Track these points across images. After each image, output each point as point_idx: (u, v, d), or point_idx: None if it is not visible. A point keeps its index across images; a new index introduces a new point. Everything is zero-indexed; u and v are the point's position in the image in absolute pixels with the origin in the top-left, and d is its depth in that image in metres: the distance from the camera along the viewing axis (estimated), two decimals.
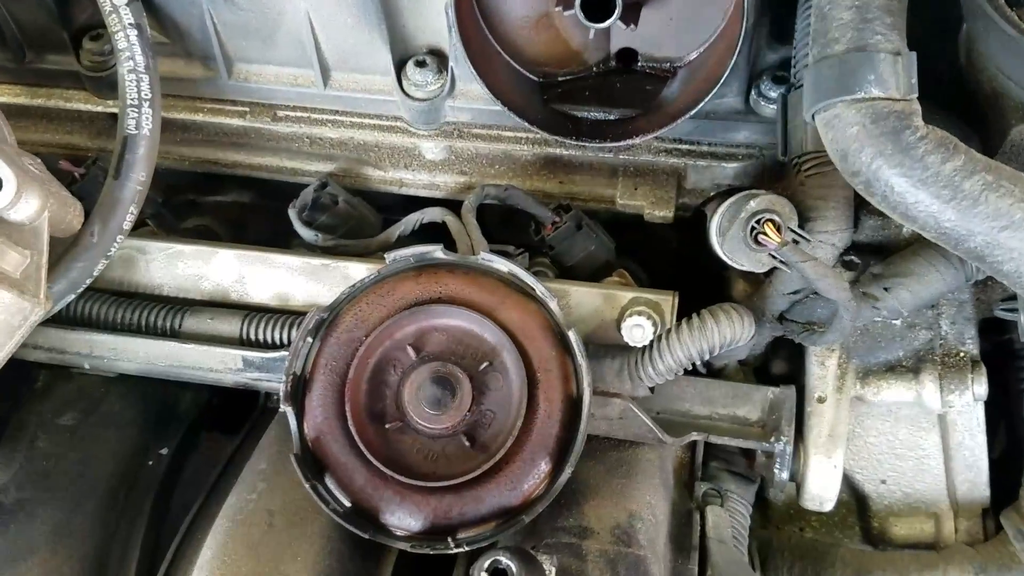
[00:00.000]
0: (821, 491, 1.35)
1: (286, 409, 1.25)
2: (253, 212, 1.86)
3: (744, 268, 1.27)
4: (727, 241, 1.20)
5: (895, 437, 1.45)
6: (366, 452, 1.23)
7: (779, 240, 1.12)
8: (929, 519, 1.49)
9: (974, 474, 1.44)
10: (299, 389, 1.28)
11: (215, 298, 1.47)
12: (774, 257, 1.18)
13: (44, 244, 1.27)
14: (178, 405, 1.53)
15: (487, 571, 1.05)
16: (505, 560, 1.05)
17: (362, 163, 1.60)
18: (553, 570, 1.17)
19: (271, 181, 1.69)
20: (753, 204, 1.16)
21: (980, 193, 0.97)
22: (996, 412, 1.46)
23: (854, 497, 1.54)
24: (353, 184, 1.60)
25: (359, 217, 1.58)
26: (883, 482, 1.49)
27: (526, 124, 1.36)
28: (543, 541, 1.21)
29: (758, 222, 1.15)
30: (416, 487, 1.22)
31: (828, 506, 1.37)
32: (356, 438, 1.23)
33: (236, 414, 1.54)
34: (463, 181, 1.57)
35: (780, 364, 1.49)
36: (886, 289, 1.23)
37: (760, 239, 1.15)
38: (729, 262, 1.30)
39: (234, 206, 1.88)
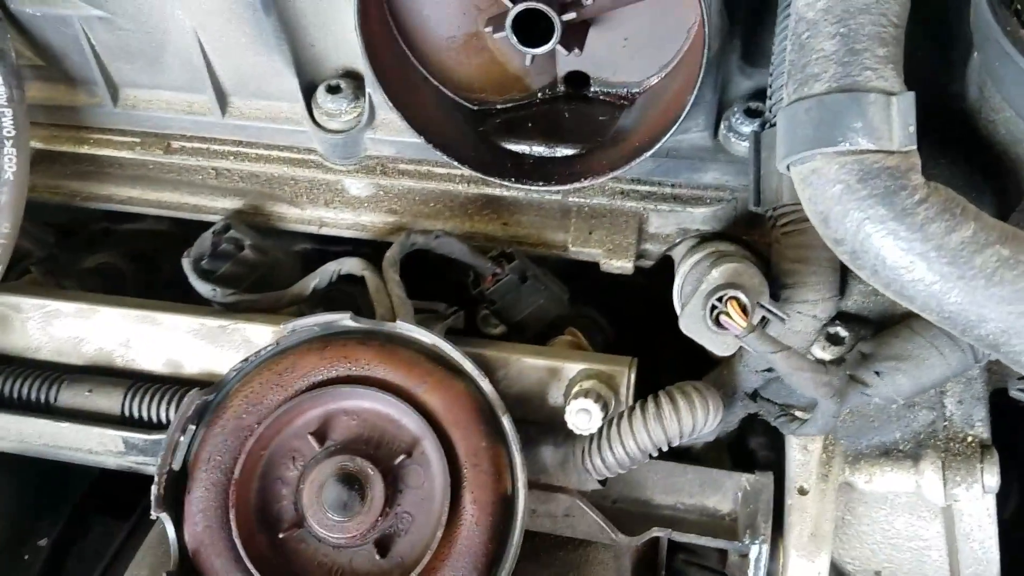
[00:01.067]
0: None
1: (159, 516, 1.04)
2: (171, 241, 1.64)
3: (708, 348, 1.06)
4: (685, 316, 0.98)
5: (891, 526, 1.23)
6: (253, 570, 1.02)
7: (744, 325, 0.91)
8: None
9: (983, 568, 1.22)
10: (172, 494, 1.07)
11: (98, 363, 1.26)
12: (741, 340, 0.96)
13: None
14: (67, 483, 1.32)
15: None
16: None
17: (275, 199, 1.38)
18: None
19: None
20: (716, 274, 0.95)
21: (994, 271, 0.77)
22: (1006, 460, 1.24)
23: None
24: (265, 223, 1.38)
25: (270, 263, 1.36)
26: (877, 574, 1.28)
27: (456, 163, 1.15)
28: None
29: (720, 299, 0.93)
30: None
31: None
32: (241, 552, 1.02)
33: (130, 492, 1.33)
34: (392, 221, 1.35)
35: (759, 439, 1.28)
36: (878, 374, 1.01)
37: (723, 321, 0.93)
38: (691, 328, 1.08)
39: (148, 235, 1.67)
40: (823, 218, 0.85)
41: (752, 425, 1.28)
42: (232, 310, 1.26)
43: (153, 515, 1.04)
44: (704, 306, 0.94)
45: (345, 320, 1.11)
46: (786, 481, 1.17)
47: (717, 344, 0.98)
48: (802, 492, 1.15)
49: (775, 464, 1.21)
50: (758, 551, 1.11)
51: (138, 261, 1.64)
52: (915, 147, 0.81)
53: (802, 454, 1.16)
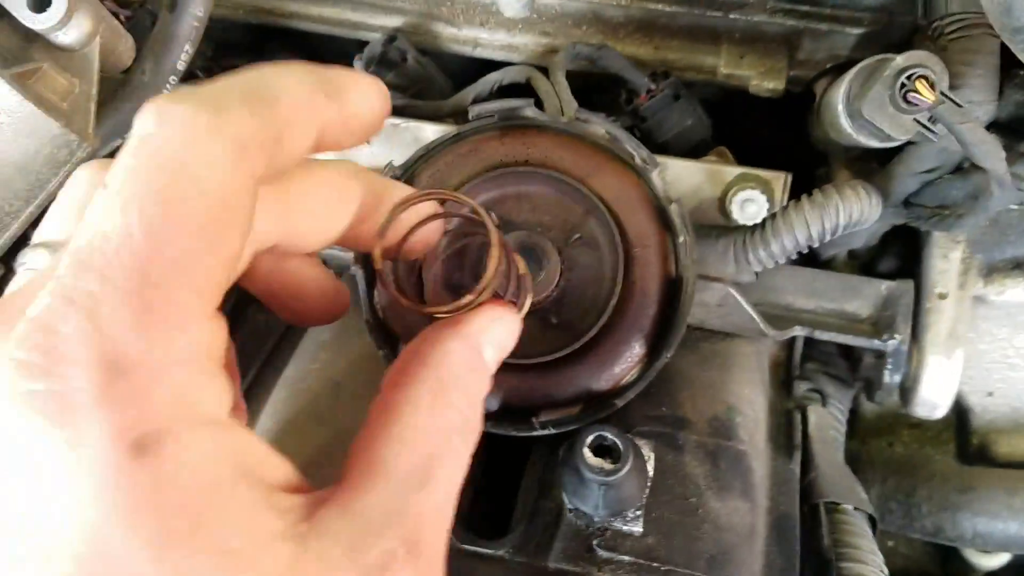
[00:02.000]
0: (936, 396, 1.22)
1: (356, 272, 1.13)
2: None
3: (873, 141, 1.13)
4: (866, 103, 1.05)
5: (1010, 344, 1.32)
6: None
7: (933, 98, 0.98)
8: None
9: None
10: (370, 255, 1.15)
11: None
12: (919, 123, 1.03)
13: (94, 74, 1.14)
14: None
15: (590, 447, 0.94)
16: (611, 437, 0.94)
17: (433, 18, 1.45)
18: (652, 456, 1.06)
19: (323, 46, 1.55)
20: (901, 60, 1.01)
21: None
22: None
23: (954, 410, 1.41)
24: (422, 42, 1.45)
25: (428, 80, 1.43)
26: (990, 394, 1.37)
27: None
28: (635, 429, 1.10)
29: (908, 78, 1.00)
30: None
31: (940, 413, 1.24)
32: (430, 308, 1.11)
33: None
34: (545, 43, 1.42)
35: (889, 262, 1.35)
36: None
37: (910, 98, 1.00)
38: (853, 135, 1.15)
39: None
40: (1006, 8, 0.91)
41: (885, 247, 1.35)
42: (398, 113, 1.34)
43: (352, 270, 1.12)
44: (892, 85, 1.01)
45: (526, 109, 1.18)
46: (924, 288, 1.24)
47: (895, 126, 1.04)
48: (941, 296, 1.22)
49: None
50: (896, 345, 1.19)
51: None
52: None
53: (943, 262, 1.23)
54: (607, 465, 0.92)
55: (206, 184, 0.52)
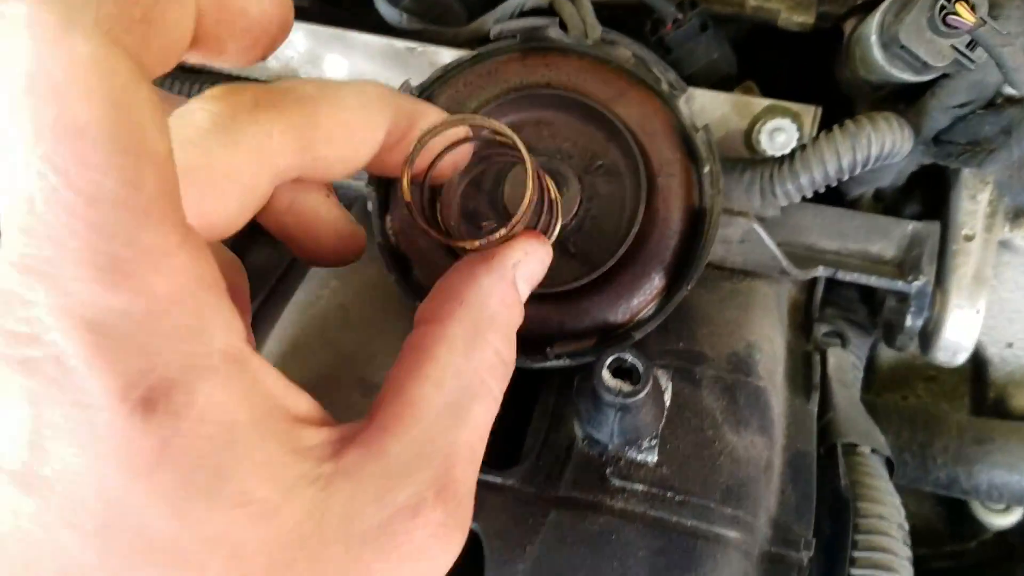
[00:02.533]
0: (959, 340, 1.19)
1: (368, 194, 1.09)
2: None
3: (907, 73, 1.09)
4: (903, 28, 1.01)
5: None
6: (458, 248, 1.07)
7: (974, 20, 0.94)
8: None
9: None
10: (382, 178, 1.12)
11: (282, 78, 1.28)
12: (957, 50, 0.99)
13: None
14: None
15: (609, 368, 0.90)
16: (631, 359, 0.90)
17: None
18: (669, 387, 1.03)
19: None
20: None
21: None
22: None
23: (971, 361, 1.38)
24: None
25: (444, 7, 1.39)
26: (1009, 345, 1.34)
27: None
28: (652, 362, 1.07)
29: (949, 1, 0.96)
30: None
31: (961, 358, 1.21)
32: (449, 231, 1.08)
33: None
34: None
35: (914, 206, 1.31)
36: None
37: (950, 21, 0.96)
38: (886, 67, 1.11)
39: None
40: None
41: (910, 190, 1.32)
42: (414, 38, 1.30)
43: (366, 188, 1.09)
44: (932, 7, 0.97)
45: (551, 29, 1.14)
46: (951, 229, 1.21)
47: (934, 53, 1.00)
48: (968, 238, 1.19)
49: None
50: (920, 286, 1.16)
51: None
52: None
53: (971, 203, 1.20)
54: (626, 387, 0.89)
55: (94, 102, 0.44)
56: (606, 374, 0.90)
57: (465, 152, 0.87)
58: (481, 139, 0.94)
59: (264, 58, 0.64)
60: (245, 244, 1.36)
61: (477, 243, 0.83)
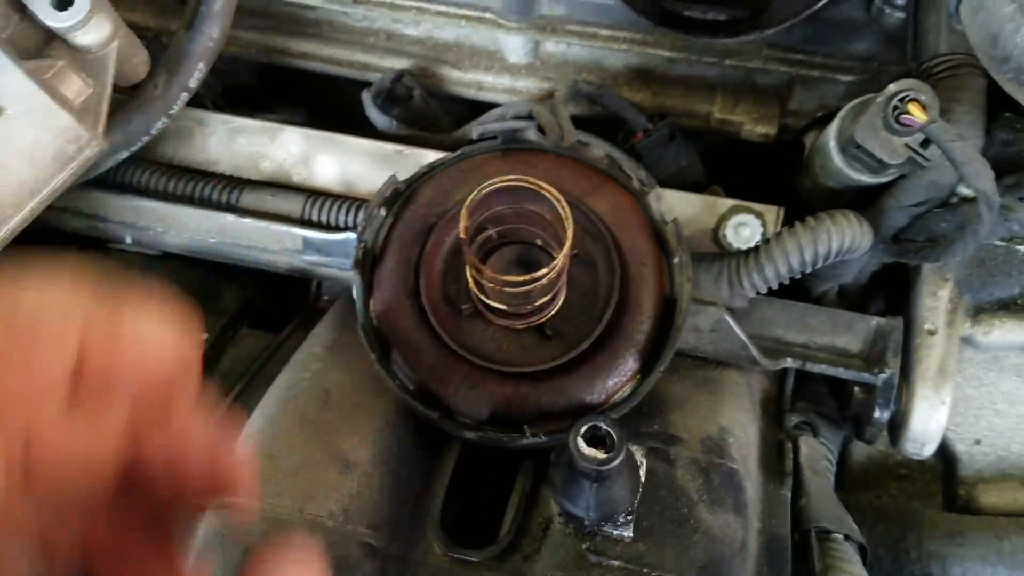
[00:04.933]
0: (925, 432, 1.22)
1: (353, 276, 1.14)
2: None
3: (865, 175, 1.16)
4: (859, 128, 1.09)
5: (997, 390, 1.32)
6: (439, 330, 1.11)
7: (926, 117, 1.02)
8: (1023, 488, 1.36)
9: None
10: (368, 262, 1.17)
11: (275, 179, 1.36)
12: (911, 148, 1.07)
13: (109, 77, 1.17)
14: (220, 296, 1.41)
15: (583, 436, 0.93)
16: (605, 426, 0.93)
17: (439, 62, 1.50)
18: (644, 463, 1.05)
19: (328, 88, 1.60)
20: (893, 86, 1.06)
21: None
22: None
23: (941, 459, 1.41)
24: (428, 84, 1.50)
25: (432, 118, 1.47)
26: (977, 442, 1.37)
27: (631, 18, 1.27)
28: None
29: (902, 100, 1.04)
30: (490, 371, 1.10)
31: (929, 450, 1.24)
32: (429, 315, 1.12)
33: (278, 314, 1.42)
34: (547, 87, 1.47)
35: (878, 304, 1.37)
36: (1021, 199, 1.12)
37: (903, 119, 1.04)
38: (844, 170, 1.19)
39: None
40: (992, 39, 0.96)
41: (875, 288, 1.37)
42: (402, 143, 1.37)
43: (351, 272, 1.13)
44: (886, 107, 1.05)
45: (529, 131, 1.22)
46: (914, 324, 1.26)
47: (889, 151, 1.08)
48: (930, 333, 1.24)
49: None
50: (886, 379, 1.20)
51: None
52: None
53: (932, 300, 1.25)
54: (600, 455, 0.91)
55: None
56: (581, 442, 0.93)
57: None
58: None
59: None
60: (228, 337, 1.39)
61: (518, 279, 0.98)
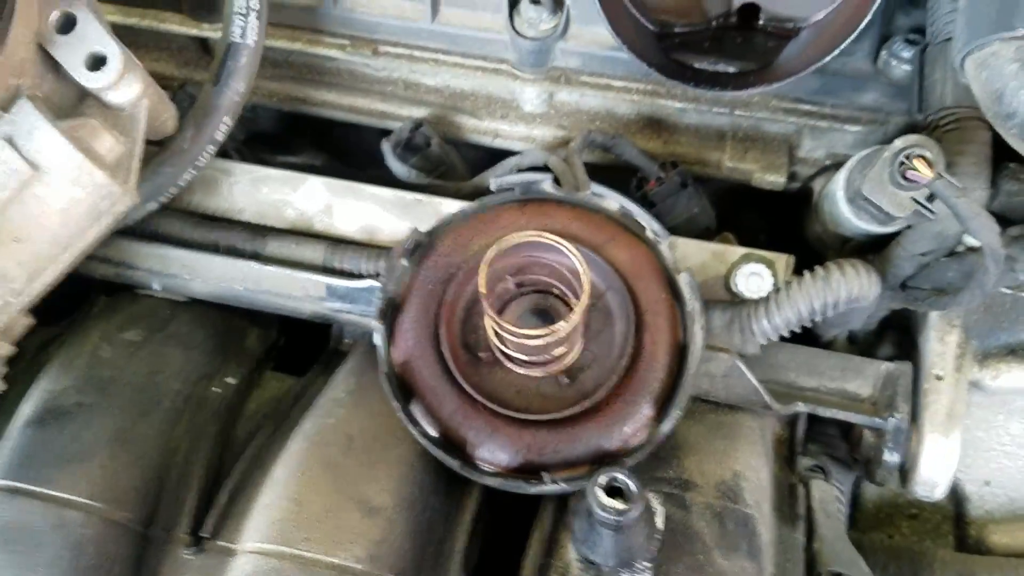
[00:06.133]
0: (935, 475, 1.24)
1: (376, 327, 1.18)
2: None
3: (873, 225, 1.20)
4: (867, 182, 1.12)
5: (1006, 432, 1.35)
6: (459, 378, 1.14)
7: (931, 174, 1.05)
8: None
9: None
10: (389, 312, 1.20)
11: (298, 227, 1.39)
12: (917, 202, 1.10)
13: (140, 134, 1.21)
14: (246, 339, 1.44)
15: (602, 487, 0.96)
16: (623, 477, 0.96)
17: (457, 111, 1.55)
18: (660, 510, 1.08)
19: (348, 137, 1.65)
20: (899, 141, 1.10)
21: None
22: None
23: (952, 501, 1.44)
24: (445, 132, 1.54)
25: (450, 165, 1.51)
26: (987, 483, 1.39)
27: (642, 70, 1.31)
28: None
29: (908, 157, 1.08)
30: (509, 419, 1.13)
31: (939, 493, 1.26)
32: (450, 363, 1.15)
33: (302, 357, 1.46)
34: (561, 136, 1.51)
35: (888, 348, 1.40)
36: None
37: (909, 175, 1.08)
38: (852, 220, 1.23)
39: (303, 169, 1.83)
40: (997, 96, 1.00)
41: (884, 333, 1.40)
42: (419, 191, 1.41)
43: (374, 323, 1.17)
44: (892, 163, 1.08)
45: (545, 183, 1.25)
46: (922, 370, 1.28)
47: (896, 204, 1.11)
48: (939, 378, 1.26)
49: None
50: (896, 423, 1.22)
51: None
52: None
53: (940, 345, 1.28)
54: (619, 505, 0.94)
55: None
56: (599, 492, 0.96)
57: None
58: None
59: None
60: (254, 380, 1.42)
61: (535, 333, 1.02)
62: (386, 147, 1.45)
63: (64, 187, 1.13)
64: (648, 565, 1.03)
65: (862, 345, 1.41)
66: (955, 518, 1.44)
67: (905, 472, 1.28)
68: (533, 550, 1.10)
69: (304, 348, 1.48)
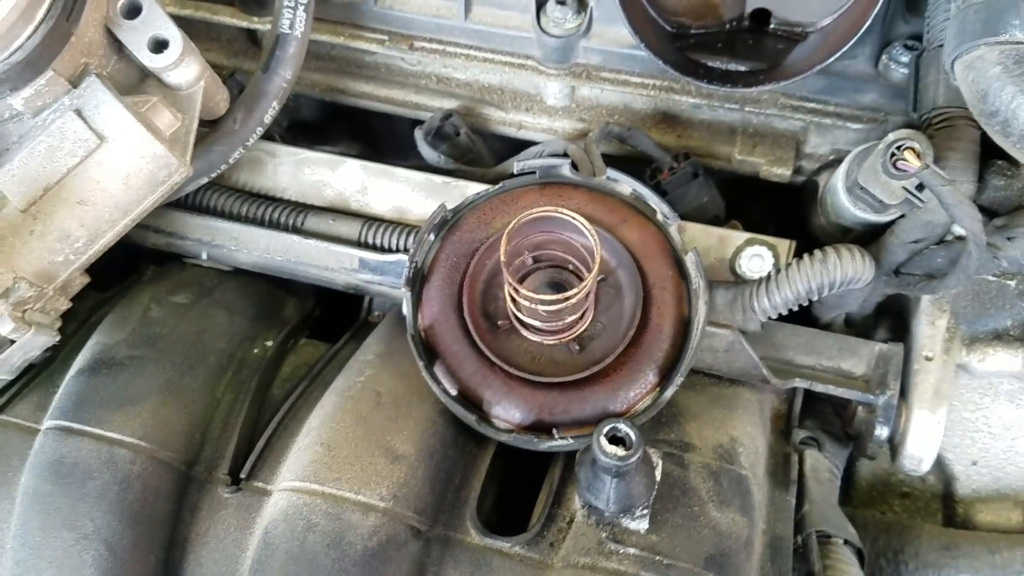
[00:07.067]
0: (921, 449, 1.33)
1: (404, 292, 1.28)
2: None
3: (869, 213, 1.29)
4: (862, 172, 1.22)
5: (992, 414, 1.43)
6: (479, 343, 1.24)
7: (920, 164, 1.14)
8: (1017, 507, 1.46)
9: None
10: (416, 281, 1.31)
11: (335, 205, 1.50)
12: (907, 190, 1.20)
13: (196, 111, 1.33)
14: (284, 308, 1.55)
15: (606, 436, 1.06)
16: (624, 428, 1.06)
17: (484, 103, 1.65)
18: (659, 464, 1.17)
19: (381, 126, 1.76)
20: (891, 135, 1.19)
21: None
22: None
23: (940, 479, 1.52)
24: (473, 123, 1.65)
25: (476, 154, 1.62)
26: (974, 463, 1.47)
27: (658, 67, 1.41)
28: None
29: (898, 148, 1.17)
30: (523, 380, 1.23)
31: (925, 466, 1.35)
32: (471, 329, 1.25)
33: (335, 326, 1.57)
34: (581, 128, 1.62)
35: (883, 332, 1.48)
36: (1009, 239, 1.24)
37: (899, 165, 1.17)
38: (851, 209, 1.32)
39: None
40: (982, 95, 1.09)
41: (879, 318, 1.49)
42: (447, 175, 1.52)
43: (402, 290, 1.28)
44: (884, 154, 1.18)
45: (564, 167, 1.36)
46: (913, 351, 1.37)
47: (888, 192, 1.21)
48: (928, 359, 1.35)
49: None
50: (886, 400, 1.31)
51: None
52: None
53: (930, 328, 1.37)
54: (620, 452, 1.04)
55: None
56: (603, 440, 1.05)
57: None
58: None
59: None
60: (290, 345, 1.53)
61: (550, 298, 1.12)
62: (418, 134, 1.56)
63: (126, 156, 1.25)
64: (646, 512, 1.12)
65: (859, 328, 1.50)
66: (943, 497, 1.52)
67: (894, 447, 1.37)
68: (542, 499, 1.20)
69: (336, 320, 1.59)
